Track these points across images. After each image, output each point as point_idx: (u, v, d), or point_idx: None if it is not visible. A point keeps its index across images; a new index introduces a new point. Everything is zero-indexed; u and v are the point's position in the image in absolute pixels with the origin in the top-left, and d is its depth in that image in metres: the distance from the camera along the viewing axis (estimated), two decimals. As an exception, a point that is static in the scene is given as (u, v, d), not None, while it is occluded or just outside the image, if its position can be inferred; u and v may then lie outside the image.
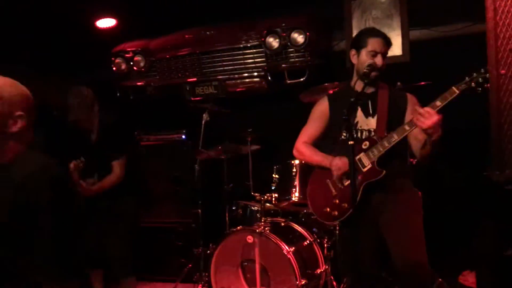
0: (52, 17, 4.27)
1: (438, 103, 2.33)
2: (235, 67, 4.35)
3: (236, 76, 4.35)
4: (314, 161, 2.72)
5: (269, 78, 4.22)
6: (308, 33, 4.05)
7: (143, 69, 4.70)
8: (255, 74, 4.29)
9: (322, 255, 3.36)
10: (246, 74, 4.32)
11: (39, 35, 4.49)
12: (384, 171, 2.46)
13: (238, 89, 4.40)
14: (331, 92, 3.07)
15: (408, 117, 2.56)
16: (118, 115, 3.61)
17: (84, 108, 3.35)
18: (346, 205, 2.53)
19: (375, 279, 2.62)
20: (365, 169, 2.50)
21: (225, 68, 4.38)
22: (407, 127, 2.42)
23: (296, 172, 3.28)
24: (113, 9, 4.42)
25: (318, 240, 3.41)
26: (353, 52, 2.67)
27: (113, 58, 4.77)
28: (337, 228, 3.09)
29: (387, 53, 2.63)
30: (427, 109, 2.29)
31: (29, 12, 4.16)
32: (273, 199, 3.32)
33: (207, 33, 4.46)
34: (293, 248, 3.14)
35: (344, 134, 2.60)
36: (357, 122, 2.62)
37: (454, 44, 3.93)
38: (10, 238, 1.57)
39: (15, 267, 1.60)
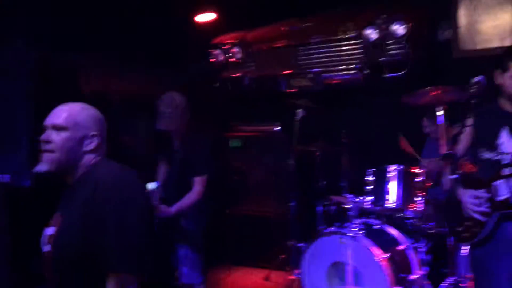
0: (154, 14, 4.49)
1: None
2: (332, 59, 4.27)
3: (332, 68, 4.28)
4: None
5: (367, 71, 4.09)
6: (409, 24, 3.85)
7: (240, 61, 4.78)
8: (352, 66, 4.18)
9: (418, 260, 3.28)
10: (342, 67, 4.23)
11: (141, 32, 4.73)
12: None
13: (334, 82, 4.33)
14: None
15: None
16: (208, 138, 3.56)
17: (175, 118, 3.29)
18: (476, 229, 2.43)
19: None
20: (500, 199, 2.36)
21: (321, 60, 4.32)
22: None
23: (392, 177, 3.19)
24: (212, 3, 4.53)
25: (414, 245, 3.32)
26: (497, 72, 2.45)
27: (211, 50, 4.91)
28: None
29: None
30: None
31: (131, 11, 4.40)
32: (367, 202, 3.27)
33: (304, 25, 4.41)
34: (386, 253, 3.10)
35: (486, 154, 2.46)
36: (502, 143, 2.44)
37: None
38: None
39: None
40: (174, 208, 3.22)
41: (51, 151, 1.78)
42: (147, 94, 5.01)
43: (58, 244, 1.74)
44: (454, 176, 1.99)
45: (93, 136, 1.84)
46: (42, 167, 1.79)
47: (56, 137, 1.78)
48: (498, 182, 2.38)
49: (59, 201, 1.87)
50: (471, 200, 2.45)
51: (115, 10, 4.24)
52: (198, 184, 3.28)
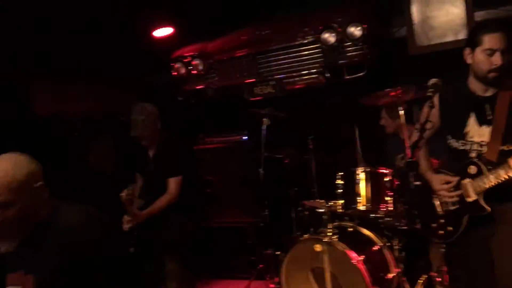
0: (112, 31, 4.42)
1: None
2: (292, 64, 4.29)
3: (294, 74, 4.30)
4: (419, 165, 2.49)
5: (327, 74, 4.13)
6: (365, 25, 3.91)
7: (202, 72, 4.74)
8: (313, 70, 4.21)
9: (393, 258, 3.32)
10: (303, 72, 4.26)
11: (99, 49, 4.65)
12: (489, 209, 2.28)
13: (296, 87, 4.35)
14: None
15: None
16: (179, 134, 3.62)
17: (148, 125, 3.40)
18: (451, 228, 2.43)
19: None
20: (469, 200, 2.35)
21: (282, 66, 4.34)
22: None
23: (360, 179, 3.23)
24: (167, 18, 4.49)
25: (388, 244, 3.37)
26: (467, 51, 2.38)
27: (172, 64, 4.86)
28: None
29: (507, 49, 2.28)
30: None
31: (88, 27, 4.32)
32: (339, 206, 3.29)
33: (262, 32, 4.43)
34: (363, 256, 3.12)
35: (453, 143, 2.43)
36: (467, 133, 2.39)
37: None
38: None
39: None
40: (145, 212, 3.24)
41: (6, 228, 1.65)
42: (108, 111, 4.96)
43: None
44: (418, 183, 2.01)
45: (40, 186, 1.72)
46: (3, 247, 1.67)
47: (6, 215, 1.63)
48: (467, 181, 2.36)
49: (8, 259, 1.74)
50: (441, 186, 2.45)
51: (70, 25, 4.15)
52: (172, 184, 3.30)
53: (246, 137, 4.63)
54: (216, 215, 4.75)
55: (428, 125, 2.18)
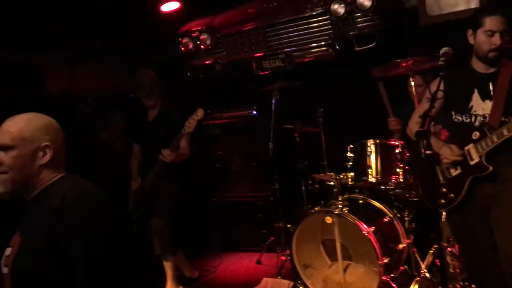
0: (119, 6, 4.38)
1: None
2: (301, 37, 4.23)
3: (303, 47, 4.25)
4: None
5: (337, 46, 4.08)
6: (375, -5, 3.83)
7: (209, 47, 4.71)
8: (322, 43, 4.16)
9: (403, 229, 3.34)
10: (313, 44, 4.20)
11: (107, 25, 4.62)
12: (491, 168, 2.42)
13: (305, 60, 4.31)
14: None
15: None
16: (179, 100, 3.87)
17: (154, 85, 3.71)
18: (452, 195, 2.55)
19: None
20: (472, 162, 2.48)
21: (291, 39, 4.28)
22: None
23: (371, 151, 3.22)
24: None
25: (399, 215, 3.38)
26: (469, 32, 2.55)
27: (180, 39, 4.82)
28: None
29: (508, 30, 2.46)
30: None
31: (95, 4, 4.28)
32: (349, 179, 3.30)
33: (270, 5, 4.36)
34: (373, 227, 3.14)
35: (458, 117, 2.55)
36: (472, 107, 2.53)
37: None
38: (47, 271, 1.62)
39: None
40: (180, 151, 3.50)
41: (4, 172, 1.73)
42: (117, 88, 4.96)
43: (18, 267, 1.68)
44: (428, 152, 2.05)
45: (45, 147, 1.77)
46: None
47: (6, 158, 1.72)
48: (470, 146, 2.47)
49: (18, 219, 1.81)
50: (447, 151, 2.54)
51: (79, 3, 4.12)
52: (184, 142, 3.52)
53: (256, 112, 4.62)
54: (226, 190, 4.78)
55: (439, 94, 2.22)
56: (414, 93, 3.28)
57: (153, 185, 3.62)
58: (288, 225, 3.90)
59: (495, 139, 2.38)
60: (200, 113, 3.33)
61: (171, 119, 3.63)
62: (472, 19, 2.56)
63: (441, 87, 2.43)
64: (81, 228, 1.62)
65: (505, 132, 2.34)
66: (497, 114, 2.44)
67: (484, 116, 2.49)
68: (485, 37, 2.45)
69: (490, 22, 2.43)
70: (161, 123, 3.69)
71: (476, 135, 2.46)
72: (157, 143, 3.55)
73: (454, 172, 2.57)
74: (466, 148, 2.50)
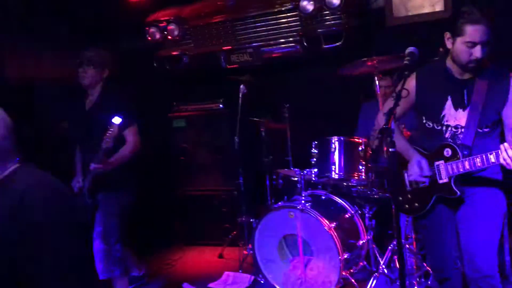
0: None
1: None
2: (270, 32, 4.24)
3: (271, 42, 4.25)
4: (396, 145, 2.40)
5: (305, 43, 4.10)
6: (343, -6, 3.87)
7: (177, 38, 4.64)
8: (290, 39, 4.17)
9: (364, 225, 3.40)
10: (281, 40, 4.22)
11: (72, 11, 4.49)
12: (459, 193, 2.30)
13: (273, 55, 4.31)
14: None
15: (508, 110, 2.27)
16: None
17: (95, 64, 3.23)
18: (417, 205, 2.45)
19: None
20: (441, 182, 2.34)
21: (260, 34, 4.28)
22: (492, 159, 2.14)
23: (335, 148, 3.26)
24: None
25: (360, 212, 3.44)
26: (447, 35, 2.31)
27: (147, 28, 4.73)
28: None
29: (488, 42, 2.21)
30: None
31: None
32: (313, 175, 3.33)
33: (240, -2, 4.34)
34: (334, 223, 3.18)
35: (429, 123, 2.41)
36: (444, 116, 2.37)
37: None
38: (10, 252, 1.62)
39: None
40: (113, 159, 3.06)
41: None
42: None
43: None
44: (392, 149, 2.01)
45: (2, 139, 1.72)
46: None
47: None
48: (441, 163, 2.35)
49: None
50: (416, 170, 2.41)
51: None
52: (130, 135, 3.17)
53: (222, 106, 4.61)
54: (190, 183, 4.75)
55: (404, 93, 2.16)
56: (379, 92, 3.34)
57: (93, 194, 3.15)
58: (251, 220, 3.91)
59: (467, 166, 2.24)
60: (114, 128, 2.85)
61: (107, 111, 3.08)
62: (452, 22, 2.30)
63: (410, 86, 2.32)
64: (43, 225, 1.61)
65: (478, 163, 2.19)
66: (472, 125, 2.29)
67: (456, 127, 2.35)
68: (465, 48, 2.23)
69: (472, 33, 2.19)
70: (96, 114, 3.20)
71: (448, 152, 2.32)
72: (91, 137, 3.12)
73: (421, 183, 2.44)
74: (437, 163, 2.36)
